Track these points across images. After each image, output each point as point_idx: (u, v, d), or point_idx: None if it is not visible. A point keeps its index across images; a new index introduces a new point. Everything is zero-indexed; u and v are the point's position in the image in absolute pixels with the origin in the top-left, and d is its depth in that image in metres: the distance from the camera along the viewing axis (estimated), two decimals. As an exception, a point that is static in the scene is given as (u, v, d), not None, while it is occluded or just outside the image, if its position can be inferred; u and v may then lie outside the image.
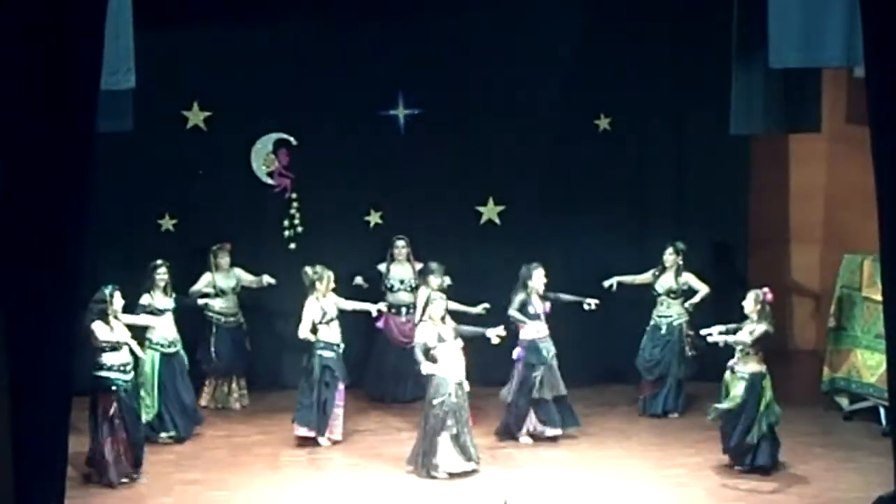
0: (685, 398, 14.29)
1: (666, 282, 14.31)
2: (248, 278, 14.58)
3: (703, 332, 12.80)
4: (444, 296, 13.15)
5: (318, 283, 13.41)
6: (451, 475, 12.45)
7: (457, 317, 13.17)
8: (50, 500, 8.54)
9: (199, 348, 14.42)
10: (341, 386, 13.44)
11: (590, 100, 15.17)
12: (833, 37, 11.28)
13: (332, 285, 13.53)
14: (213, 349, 14.48)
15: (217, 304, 14.47)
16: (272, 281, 14.51)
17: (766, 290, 12.62)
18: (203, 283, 14.41)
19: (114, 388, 12.28)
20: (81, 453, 12.31)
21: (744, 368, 12.43)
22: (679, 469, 12.72)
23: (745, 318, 12.57)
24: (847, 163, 15.06)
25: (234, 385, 14.70)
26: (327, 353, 13.32)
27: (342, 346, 13.46)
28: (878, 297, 11.24)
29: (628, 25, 14.90)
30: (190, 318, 14.13)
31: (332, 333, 13.40)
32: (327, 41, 14.78)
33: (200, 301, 14.29)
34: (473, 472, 12.54)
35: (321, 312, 13.33)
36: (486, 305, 13.74)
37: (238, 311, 14.63)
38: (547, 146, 15.23)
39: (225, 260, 14.50)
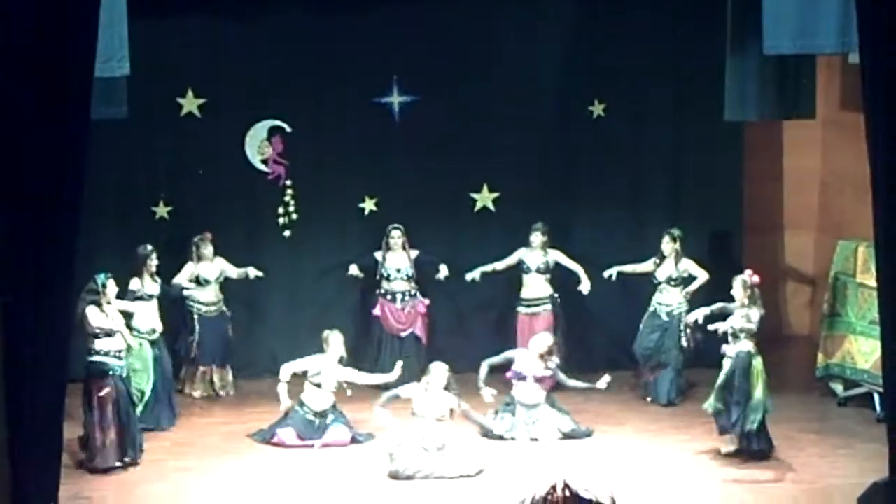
0: (683, 386, 14.27)
1: (666, 269, 14.26)
2: (232, 270, 14.46)
3: (688, 317, 12.76)
4: None
5: (324, 346, 13.10)
6: None
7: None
8: (46, 486, 8.57)
9: (179, 338, 14.28)
10: None
11: (584, 86, 15.14)
12: (827, 23, 11.30)
13: (341, 351, 13.05)
14: (195, 340, 14.35)
15: (199, 294, 14.33)
16: (259, 273, 14.41)
17: (750, 272, 12.64)
18: (186, 273, 14.28)
19: (109, 373, 12.26)
20: (76, 439, 12.32)
21: (732, 349, 12.45)
22: (674, 456, 12.72)
23: (730, 298, 12.58)
24: (841, 149, 15.06)
25: (216, 375, 14.61)
26: (307, 417, 13.04)
27: (332, 412, 13.06)
28: (873, 284, 11.22)
29: (623, 11, 14.87)
30: (170, 306, 13.99)
31: (317, 399, 13.05)
32: (322, 28, 14.74)
33: (186, 291, 14.19)
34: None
35: (315, 373, 12.98)
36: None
37: (220, 301, 14.45)
38: (541, 132, 15.20)
39: (208, 250, 14.32)
